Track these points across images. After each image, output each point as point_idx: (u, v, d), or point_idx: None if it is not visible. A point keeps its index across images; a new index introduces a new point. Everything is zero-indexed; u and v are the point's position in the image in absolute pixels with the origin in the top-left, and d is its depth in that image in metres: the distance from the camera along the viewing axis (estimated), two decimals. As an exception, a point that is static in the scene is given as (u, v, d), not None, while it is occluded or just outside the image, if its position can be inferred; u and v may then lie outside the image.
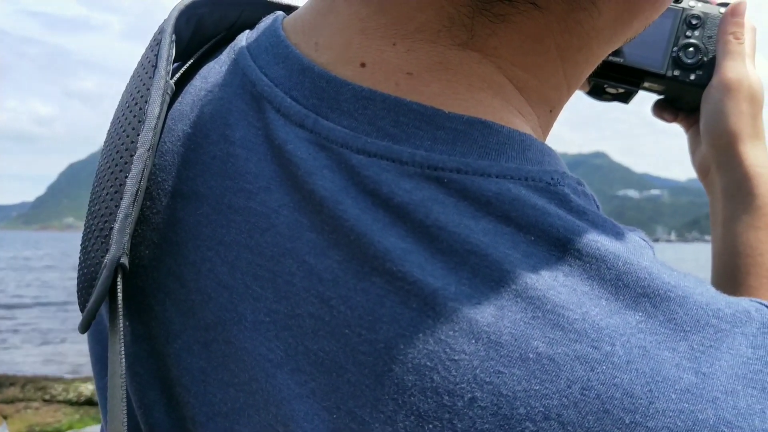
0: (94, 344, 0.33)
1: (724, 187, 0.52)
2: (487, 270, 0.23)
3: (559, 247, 0.24)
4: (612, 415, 0.20)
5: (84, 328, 0.27)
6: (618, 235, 0.25)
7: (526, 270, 0.23)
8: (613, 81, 0.55)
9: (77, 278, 0.28)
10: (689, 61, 0.53)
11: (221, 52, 0.33)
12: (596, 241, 0.24)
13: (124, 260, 0.26)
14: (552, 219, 0.24)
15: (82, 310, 0.27)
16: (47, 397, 5.63)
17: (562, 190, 0.25)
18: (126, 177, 0.27)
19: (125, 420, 0.25)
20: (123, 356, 0.25)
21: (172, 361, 0.27)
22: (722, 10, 0.54)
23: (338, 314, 0.23)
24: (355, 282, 0.24)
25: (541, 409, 0.21)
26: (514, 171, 0.25)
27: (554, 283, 0.23)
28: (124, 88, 0.32)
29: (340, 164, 0.26)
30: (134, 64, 0.32)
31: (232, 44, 0.33)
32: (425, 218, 0.24)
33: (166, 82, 0.29)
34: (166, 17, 0.31)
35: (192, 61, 0.34)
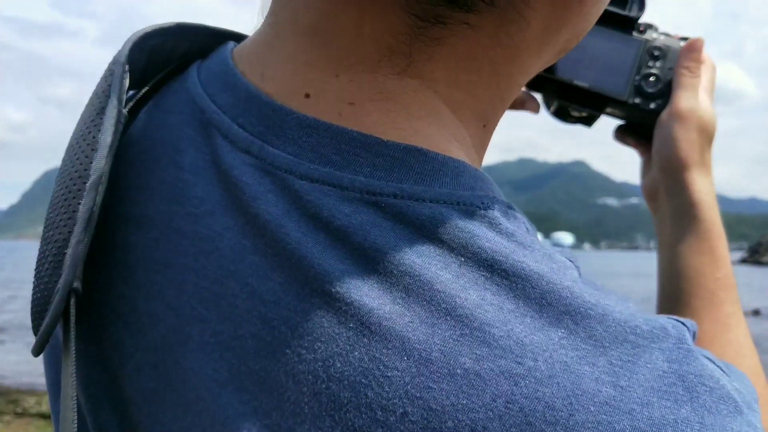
0: (49, 368, 0.33)
1: (672, 211, 0.54)
2: (420, 290, 0.24)
3: (488, 268, 0.25)
4: (534, 427, 0.21)
5: (37, 351, 0.28)
6: (544, 256, 0.26)
7: (456, 290, 0.24)
8: (578, 104, 0.58)
9: (31, 302, 0.28)
10: (650, 90, 0.56)
11: (174, 81, 0.34)
12: (522, 261, 0.25)
13: (77, 285, 0.27)
14: (481, 241, 0.25)
15: (35, 334, 0.27)
16: (19, 410, 5.50)
17: (492, 214, 0.27)
18: (79, 204, 0.28)
19: None
20: (74, 379, 0.26)
21: (126, 382, 0.28)
22: (682, 44, 0.57)
23: (279, 334, 0.24)
24: (295, 303, 0.25)
25: (468, 422, 0.22)
26: (447, 196, 0.26)
27: (482, 302, 0.24)
28: None
29: (284, 189, 0.27)
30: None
31: (185, 73, 0.34)
32: (363, 241, 0.25)
33: (119, 110, 0.30)
34: (120, 48, 0.32)
35: (146, 89, 0.35)
